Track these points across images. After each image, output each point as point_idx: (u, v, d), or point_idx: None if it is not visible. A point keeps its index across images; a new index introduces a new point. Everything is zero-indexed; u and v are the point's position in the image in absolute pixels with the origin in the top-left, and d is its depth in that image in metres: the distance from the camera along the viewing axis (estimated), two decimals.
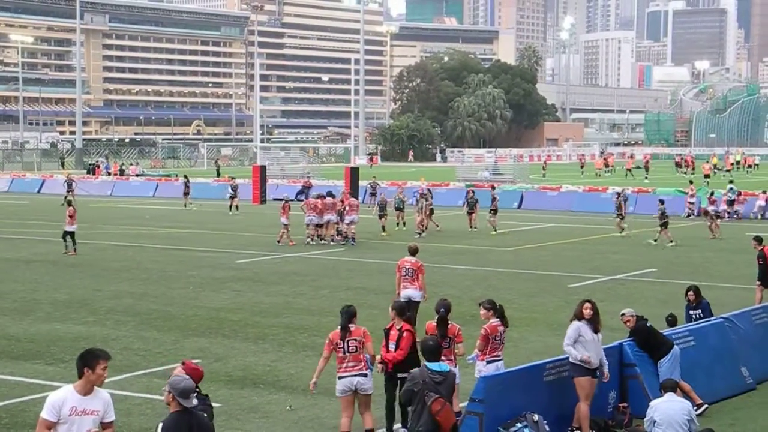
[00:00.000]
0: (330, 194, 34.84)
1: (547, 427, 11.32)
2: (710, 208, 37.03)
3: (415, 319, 17.08)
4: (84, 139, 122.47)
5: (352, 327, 11.34)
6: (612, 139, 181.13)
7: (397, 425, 11.92)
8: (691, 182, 48.10)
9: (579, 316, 12.04)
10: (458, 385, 11.81)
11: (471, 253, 31.26)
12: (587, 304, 12.12)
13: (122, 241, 34.57)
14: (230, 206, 46.52)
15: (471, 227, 37.98)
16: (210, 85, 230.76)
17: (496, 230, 36.95)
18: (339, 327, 11.38)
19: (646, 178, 73.33)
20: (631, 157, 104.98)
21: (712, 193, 40.36)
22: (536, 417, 11.23)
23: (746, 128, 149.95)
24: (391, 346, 11.75)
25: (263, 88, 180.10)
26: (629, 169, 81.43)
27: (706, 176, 68.54)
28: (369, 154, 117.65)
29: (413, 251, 17.85)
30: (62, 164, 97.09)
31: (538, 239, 35.32)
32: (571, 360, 11.94)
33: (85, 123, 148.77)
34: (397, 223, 38.34)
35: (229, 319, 19.65)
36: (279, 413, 13.11)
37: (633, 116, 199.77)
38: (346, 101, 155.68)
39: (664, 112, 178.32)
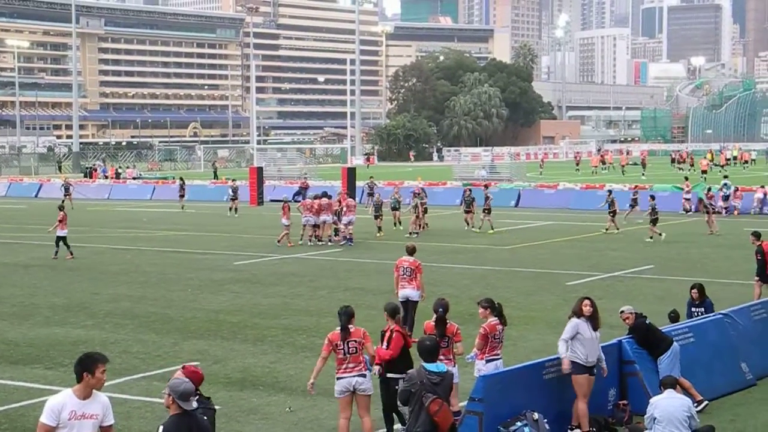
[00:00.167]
0: (325, 194, 34.87)
1: (547, 426, 11.31)
2: (707, 202, 37.20)
3: (414, 318, 17.12)
4: (81, 143, 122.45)
5: (351, 328, 11.33)
6: (609, 136, 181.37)
7: (397, 426, 11.91)
8: (686, 178, 48.13)
9: (578, 314, 12.00)
10: (458, 384, 11.82)
11: (469, 252, 31.25)
12: (586, 301, 12.08)
13: (120, 244, 34.56)
14: (230, 208, 46.46)
15: (469, 226, 37.89)
16: (206, 87, 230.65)
17: (493, 228, 36.93)
18: (338, 328, 11.36)
19: (643, 174, 73.44)
20: (628, 153, 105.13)
21: (709, 189, 40.41)
22: (536, 415, 11.21)
23: (743, 124, 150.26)
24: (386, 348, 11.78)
25: (259, 90, 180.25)
26: (623, 166, 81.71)
27: (704, 172, 68.60)
28: (366, 154, 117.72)
29: (411, 251, 17.84)
30: (59, 168, 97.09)
31: (536, 237, 35.32)
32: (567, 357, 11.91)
33: (81, 127, 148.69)
34: (395, 223, 38.34)
35: (227, 321, 19.64)
36: (278, 415, 13.10)
37: (629, 113, 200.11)
38: (342, 102, 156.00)
39: (660, 108, 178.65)
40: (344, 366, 11.25)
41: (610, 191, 39.02)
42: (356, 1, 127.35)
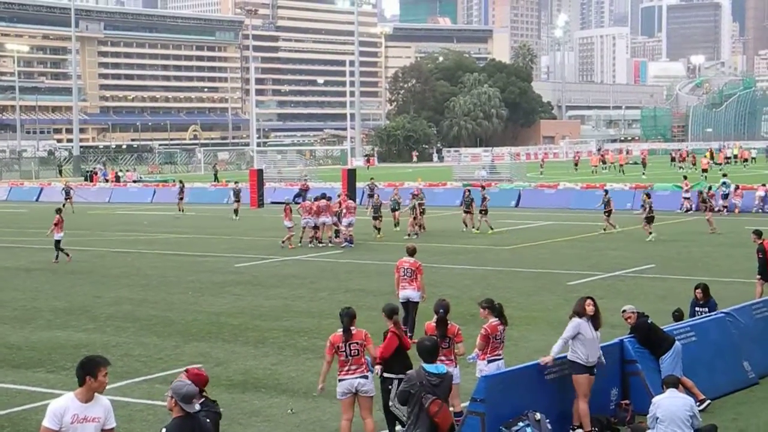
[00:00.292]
0: (324, 196, 34.90)
1: (549, 426, 11.30)
2: (706, 196, 37.25)
3: (415, 320, 17.12)
4: (81, 147, 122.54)
5: (353, 330, 11.32)
6: (609, 136, 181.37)
7: (397, 427, 11.90)
8: (685, 177, 48.10)
9: (579, 313, 11.98)
10: (459, 384, 11.82)
11: (469, 253, 31.25)
12: (589, 301, 12.05)
13: (121, 247, 34.57)
14: (235, 210, 46.34)
15: (467, 227, 37.80)
16: (206, 89, 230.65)
17: (492, 229, 36.90)
18: (340, 330, 11.35)
19: (643, 174, 73.44)
20: (628, 152, 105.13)
21: (709, 188, 40.38)
22: (538, 415, 11.21)
23: (743, 122, 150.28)
24: None
25: (259, 92, 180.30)
26: (622, 165, 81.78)
27: (704, 170, 68.59)
28: (366, 155, 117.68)
29: (411, 252, 17.84)
30: (60, 172, 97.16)
31: (536, 237, 35.31)
32: (568, 357, 11.91)
33: (82, 130, 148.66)
34: (395, 224, 38.33)
35: (229, 323, 19.64)
36: (280, 417, 13.11)
37: (629, 112, 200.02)
38: (342, 103, 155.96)
39: (660, 107, 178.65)
40: (346, 368, 11.25)
41: (606, 191, 39.02)
42: (355, 2, 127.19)
